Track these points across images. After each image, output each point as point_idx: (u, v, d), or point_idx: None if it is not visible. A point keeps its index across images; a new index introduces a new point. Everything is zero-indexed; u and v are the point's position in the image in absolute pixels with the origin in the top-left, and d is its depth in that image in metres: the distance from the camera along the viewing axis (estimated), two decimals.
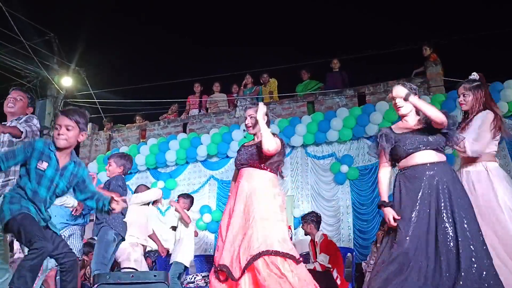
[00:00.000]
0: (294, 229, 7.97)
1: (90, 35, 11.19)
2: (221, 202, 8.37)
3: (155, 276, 2.98)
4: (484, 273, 2.57)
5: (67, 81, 10.48)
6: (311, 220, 5.87)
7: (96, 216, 4.63)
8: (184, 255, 5.84)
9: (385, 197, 3.01)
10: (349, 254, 6.46)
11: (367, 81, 8.83)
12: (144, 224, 5.35)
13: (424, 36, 10.65)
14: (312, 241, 5.87)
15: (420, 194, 2.82)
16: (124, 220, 4.56)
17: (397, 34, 11.97)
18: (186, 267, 5.93)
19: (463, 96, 3.40)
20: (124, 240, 4.64)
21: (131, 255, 4.98)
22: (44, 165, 2.87)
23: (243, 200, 3.34)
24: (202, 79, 10.26)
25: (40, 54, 10.05)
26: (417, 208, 2.80)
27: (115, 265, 5.29)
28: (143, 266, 5.15)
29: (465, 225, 2.68)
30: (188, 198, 6.27)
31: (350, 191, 7.79)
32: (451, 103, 7.35)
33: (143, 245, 5.33)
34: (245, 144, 3.73)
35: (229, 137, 8.47)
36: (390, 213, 2.86)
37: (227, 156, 8.72)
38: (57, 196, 3.03)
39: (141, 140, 9.89)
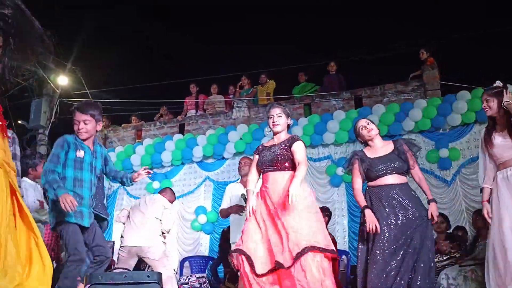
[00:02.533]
0: None
1: (87, 34, 11.15)
2: (216, 203, 8.34)
3: (148, 276, 2.96)
4: None
5: (63, 80, 10.44)
6: (326, 214, 5.99)
7: None
8: (172, 259, 5.90)
9: (363, 204, 3.50)
10: (344, 256, 6.45)
11: (364, 84, 8.84)
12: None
13: (421, 40, 10.63)
14: None
15: (384, 209, 3.40)
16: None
17: (395, 38, 11.98)
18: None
19: (486, 102, 3.45)
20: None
21: (165, 255, 5.02)
22: (81, 153, 3.35)
23: (278, 200, 3.35)
24: (199, 80, 10.25)
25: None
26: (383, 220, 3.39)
27: (111, 263, 5.29)
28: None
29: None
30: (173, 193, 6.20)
31: (345, 193, 7.79)
32: (447, 107, 7.37)
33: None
34: (266, 144, 3.69)
35: (225, 138, 8.46)
36: (372, 217, 3.37)
37: (223, 158, 8.71)
38: (98, 178, 3.55)
39: (137, 140, 9.86)
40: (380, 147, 3.62)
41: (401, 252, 3.25)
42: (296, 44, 13.33)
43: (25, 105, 10.34)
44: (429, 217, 3.37)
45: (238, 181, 5.19)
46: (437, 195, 7.29)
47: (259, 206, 3.45)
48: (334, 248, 3.22)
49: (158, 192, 5.70)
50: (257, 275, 3.16)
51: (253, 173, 3.65)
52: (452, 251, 4.90)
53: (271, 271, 3.18)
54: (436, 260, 4.35)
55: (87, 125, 3.39)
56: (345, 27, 12.99)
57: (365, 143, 3.73)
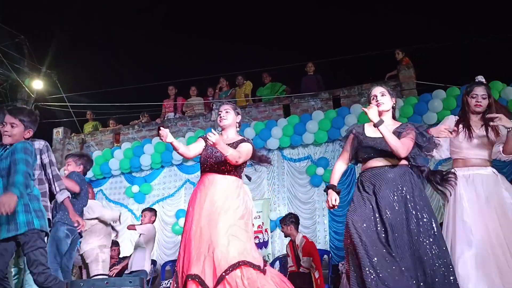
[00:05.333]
0: (271, 232, 7.98)
1: (62, 38, 10.99)
2: None
3: (130, 282, 2.93)
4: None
5: (38, 84, 10.25)
6: (291, 221, 5.89)
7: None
8: (148, 263, 5.95)
9: (334, 183, 3.23)
10: (325, 256, 6.51)
11: (342, 84, 8.94)
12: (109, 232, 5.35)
13: (396, 40, 10.84)
14: (292, 242, 5.88)
15: (379, 194, 2.89)
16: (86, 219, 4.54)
17: (371, 38, 12.17)
18: (146, 273, 6.03)
19: (483, 98, 3.25)
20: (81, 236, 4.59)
21: (99, 256, 4.97)
22: None
23: (209, 206, 3.23)
24: (177, 82, 10.19)
25: (10, 57, 9.81)
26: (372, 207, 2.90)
27: (83, 266, 5.28)
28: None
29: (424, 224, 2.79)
30: (152, 211, 6.60)
31: (326, 193, 7.84)
32: (423, 106, 7.50)
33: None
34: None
35: None
36: (333, 196, 3.14)
37: None
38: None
39: (115, 144, 9.74)
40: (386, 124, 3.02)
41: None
42: (273, 45, 13.40)
43: None
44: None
45: None
46: None
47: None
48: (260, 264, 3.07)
49: None
50: None
51: None
52: None
53: None
54: None
55: (13, 128, 3.13)
56: (322, 27, 13.12)
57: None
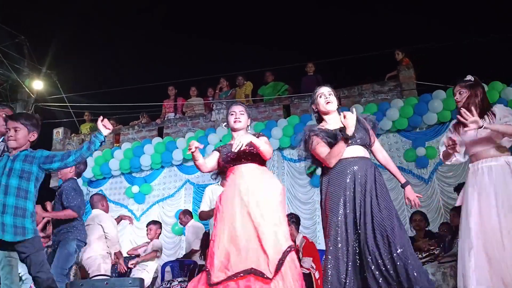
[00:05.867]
0: None
1: (62, 38, 10.98)
2: (197, 206, 8.28)
3: (130, 283, 2.93)
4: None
5: (38, 85, 10.25)
6: (292, 221, 5.87)
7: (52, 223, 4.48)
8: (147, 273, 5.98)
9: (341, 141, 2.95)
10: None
11: (342, 84, 8.93)
12: (116, 238, 5.37)
13: (396, 41, 10.84)
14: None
15: (345, 187, 2.90)
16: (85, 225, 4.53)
17: (371, 39, 12.16)
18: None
19: (459, 94, 3.38)
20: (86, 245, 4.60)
21: (101, 266, 4.93)
22: None
23: (243, 198, 3.17)
24: (176, 83, 10.20)
25: (10, 57, 9.81)
26: (343, 200, 2.89)
27: (83, 276, 5.28)
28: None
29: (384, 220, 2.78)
30: (157, 224, 6.80)
31: None
32: (423, 106, 7.50)
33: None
34: (226, 144, 3.56)
35: (205, 141, 8.42)
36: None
37: None
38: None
39: (115, 145, 9.74)
40: (338, 121, 3.09)
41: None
42: (273, 45, 13.39)
43: None
44: (406, 202, 3.10)
45: (219, 183, 5.16)
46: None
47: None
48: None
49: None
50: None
51: None
52: (431, 248, 4.98)
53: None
54: None
55: (17, 132, 3.21)
56: (323, 28, 13.11)
57: (319, 117, 3.26)
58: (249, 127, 3.58)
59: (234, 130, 3.51)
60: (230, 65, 10.91)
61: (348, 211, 2.88)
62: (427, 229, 5.50)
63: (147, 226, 6.80)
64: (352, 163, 2.94)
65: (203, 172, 3.54)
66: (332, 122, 3.13)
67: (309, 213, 7.88)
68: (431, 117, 7.45)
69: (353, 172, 2.93)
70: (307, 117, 8.11)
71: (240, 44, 13.31)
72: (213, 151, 3.58)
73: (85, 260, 4.99)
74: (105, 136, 3.20)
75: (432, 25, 12.37)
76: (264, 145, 3.20)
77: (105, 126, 3.18)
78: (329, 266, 2.82)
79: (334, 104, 3.16)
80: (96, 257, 4.94)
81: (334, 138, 2.99)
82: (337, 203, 2.90)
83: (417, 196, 3.12)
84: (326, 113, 3.15)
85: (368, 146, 3.07)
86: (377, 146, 3.16)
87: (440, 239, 5.40)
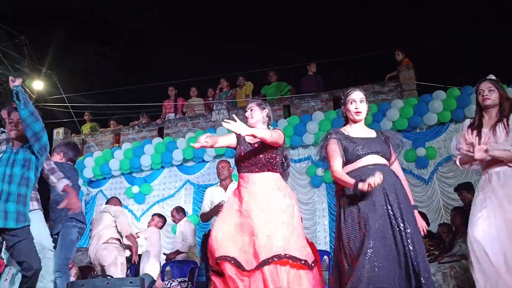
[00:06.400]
0: None
1: (62, 39, 10.98)
2: (197, 207, 8.30)
3: (131, 282, 2.93)
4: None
5: (38, 85, 10.25)
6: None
7: (51, 209, 4.36)
8: (153, 267, 5.90)
9: (353, 181, 2.78)
10: (325, 257, 6.48)
11: (342, 84, 8.93)
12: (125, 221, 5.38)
13: (396, 41, 10.83)
14: None
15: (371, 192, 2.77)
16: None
17: (371, 39, 12.16)
18: (154, 280, 5.98)
19: (489, 91, 3.23)
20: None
21: (118, 259, 4.94)
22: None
23: (251, 205, 3.18)
24: (177, 83, 10.20)
25: (10, 57, 9.80)
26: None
27: (92, 269, 5.27)
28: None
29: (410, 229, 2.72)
30: (161, 217, 6.71)
31: (326, 194, 7.85)
32: (423, 107, 7.51)
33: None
34: (247, 140, 3.45)
35: None
36: (370, 179, 2.66)
37: (203, 160, 8.68)
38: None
39: (115, 145, 9.74)
40: (362, 129, 3.08)
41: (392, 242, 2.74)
42: (273, 45, 13.39)
43: None
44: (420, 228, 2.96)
45: (218, 184, 5.17)
46: (415, 194, 7.41)
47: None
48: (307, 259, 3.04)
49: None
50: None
51: None
52: (431, 248, 4.99)
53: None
54: None
55: (20, 123, 3.40)
56: (323, 28, 13.11)
57: (346, 119, 3.16)
58: (269, 118, 3.52)
59: (251, 127, 3.42)
60: (230, 65, 10.91)
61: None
62: (427, 229, 5.50)
63: (152, 216, 6.81)
64: (372, 170, 2.82)
65: (212, 146, 3.40)
66: (357, 129, 3.05)
67: (309, 214, 7.88)
68: (431, 118, 7.45)
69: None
70: (307, 117, 8.12)
71: (240, 44, 13.31)
72: (231, 133, 3.43)
73: (99, 253, 4.98)
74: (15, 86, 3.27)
75: (432, 25, 12.37)
76: (267, 134, 3.14)
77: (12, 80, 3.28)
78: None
79: (363, 113, 3.06)
80: (113, 250, 4.94)
81: (352, 147, 2.94)
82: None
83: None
84: (354, 121, 3.08)
85: (388, 159, 2.99)
86: (395, 167, 3.05)
87: (440, 239, 5.40)
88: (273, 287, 2.83)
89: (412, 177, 7.48)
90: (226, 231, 3.10)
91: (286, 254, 2.95)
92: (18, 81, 3.28)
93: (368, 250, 2.63)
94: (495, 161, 3.09)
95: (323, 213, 7.84)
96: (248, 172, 3.32)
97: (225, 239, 3.05)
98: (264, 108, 3.50)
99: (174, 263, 7.08)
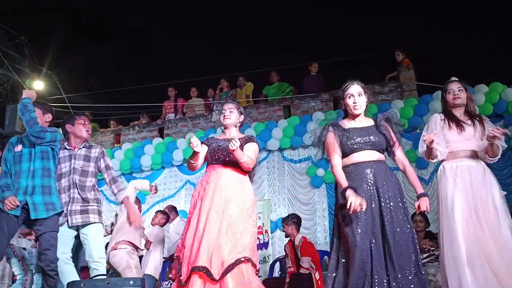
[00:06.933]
0: (271, 233, 7.99)
1: (62, 39, 10.98)
2: None
3: (131, 282, 2.94)
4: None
5: (38, 85, 10.25)
6: (293, 221, 5.92)
7: None
8: (155, 267, 5.89)
9: (345, 184, 2.88)
10: (325, 257, 6.49)
11: (341, 85, 8.90)
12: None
13: (396, 41, 10.83)
14: (291, 243, 5.90)
15: (362, 190, 2.88)
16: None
17: (371, 39, 12.17)
18: (156, 280, 5.98)
19: (459, 91, 3.43)
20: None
21: (130, 263, 4.96)
22: (19, 147, 3.66)
23: (218, 200, 3.28)
24: (177, 83, 10.20)
25: (10, 58, 9.80)
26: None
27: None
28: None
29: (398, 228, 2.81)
30: (164, 214, 6.63)
31: (326, 194, 7.86)
32: (424, 107, 7.51)
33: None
34: (217, 137, 3.65)
35: None
36: (358, 199, 2.75)
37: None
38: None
39: (116, 145, 9.75)
40: (361, 121, 3.12)
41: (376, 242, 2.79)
42: (273, 45, 13.38)
43: None
44: (418, 209, 3.05)
45: None
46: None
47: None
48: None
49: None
50: None
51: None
52: (432, 248, 4.99)
53: None
54: None
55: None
56: (323, 29, 13.12)
57: (346, 113, 3.22)
58: (241, 124, 3.67)
59: (224, 127, 3.64)
60: (231, 66, 10.92)
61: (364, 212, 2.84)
62: (427, 230, 5.51)
63: (155, 213, 6.77)
64: (363, 167, 2.94)
65: (195, 170, 3.60)
66: (355, 122, 3.10)
67: (309, 214, 7.89)
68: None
69: (366, 175, 2.93)
70: (308, 117, 8.12)
71: (240, 44, 13.30)
72: (201, 143, 3.53)
73: (111, 260, 4.98)
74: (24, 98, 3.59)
75: (432, 25, 12.37)
76: (245, 158, 3.28)
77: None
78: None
79: (362, 107, 3.09)
80: (122, 256, 4.96)
81: (346, 140, 2.99)
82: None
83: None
84: (353, 115, 3.12)
85: (383, 150, 3.05)
86: (399, 155, 3.10)
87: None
88: None
89: None
90: None
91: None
92: (24, 94, 3.60)
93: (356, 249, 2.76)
94: (463, 154, 3.32)
95: (323, 213, 7.85)
96: (218, 164, 3.45)
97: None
98: (241, 114, 3.66)
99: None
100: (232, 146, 3.11)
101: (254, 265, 3.17)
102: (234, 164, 3.37)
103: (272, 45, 13.33)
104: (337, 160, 3.00)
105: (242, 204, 3.30)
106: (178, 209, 8.48)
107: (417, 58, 8.81)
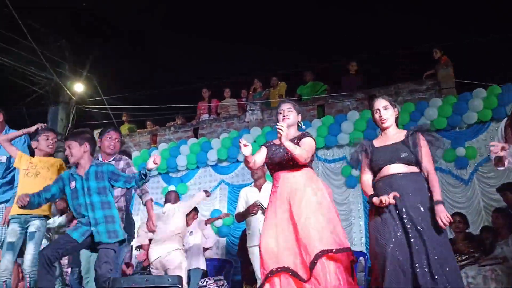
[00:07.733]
0: None
1: (100, 41, 11.28)
2: (232, 206, 8.37)
3: (169, 280, 3.00)
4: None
5: (79, 88, 10.60)
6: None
7: None
8: (202, 260, 6.20)
9: (370, 193, 3.09)
10: (361, 258, 6.41)
11: (378, 83, 8.80)
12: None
13: (435, 38, 10.59)
14: None
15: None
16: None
17: (408, 37, 11.92)
18: (206, 271, 6.31)
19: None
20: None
21: (182, 264, 5.11)
22: (73, 184, 3.53)
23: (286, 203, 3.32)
24: (210, 84, 10.34)
25: (52, 61, 10.17)
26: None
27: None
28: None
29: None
30: (197, 210, 6.91)
31: (361, 194, 7.74)
32: (463, 105, 7.31)
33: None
34: (275, 142, 3.59)
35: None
36: (382, 197, 2.91)
37: (237, 161, 8.73)
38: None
39: (152, 145, 9.95)
40: (392, 135, 3.18)
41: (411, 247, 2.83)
42: (306, 45, 13.32)
43: (42, 112, 10.53)
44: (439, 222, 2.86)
45: (252, 184, 5.21)
46: (454, 194, 7.24)
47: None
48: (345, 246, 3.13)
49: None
50: None
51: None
52: (471, 250, 4.86)
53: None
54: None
55: (71, 149, 3.60)
56: (358, 26, 12.95)
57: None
58: (300, 123, 3.63)
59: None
60: (264, 66, 10.95)
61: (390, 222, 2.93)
62: (467, 231, 5.36)
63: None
64: (390, 181, 3.02)
65: (252, 169, 3.62)
66: (385, 136, 3.21)
67: (344, 214, 7.80)
68: (471, 116, 7.25)
69: (390, 188, 2.98)
70: (342, 117, 8.04)
71: (274, 45, 13.32)
72: (261, 146, 3.62)
73: (163, 256, 5.10)
74: (149, 170, 3.64)
75: (477, 20, 12.01)
76: (299, 151, 3.26)
77: (154, 161, 3.60)
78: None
79: (389, 120, 3.20)
80: (177, 255, 5.10)
81: (375, 158, 3.12)
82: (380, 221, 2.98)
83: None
84: (382, 129, 3.24)
85: (413, 164, 3.05)
86: (425, 166, 3.05)
87: (481, 241, 5.25)
88: None
89: (451, 178, 7.30)
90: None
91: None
92: (156, 164, 3.69)
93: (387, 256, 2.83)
94: None
95: (358, 213, 7.75)
96: (279, 171, 3.46)
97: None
98: (299, 113, 3.61)
99: (210, 262, 7.17)
100: (281, 131, 3.14)
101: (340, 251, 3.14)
102: (296, 166, 3.39)
103: (308, 46, 13.29)
104: (364, 177, 3.19)
105: (312, 199, 3.31)
106: (213, 209, 8.60)
107: (456, 55, 8.57)
